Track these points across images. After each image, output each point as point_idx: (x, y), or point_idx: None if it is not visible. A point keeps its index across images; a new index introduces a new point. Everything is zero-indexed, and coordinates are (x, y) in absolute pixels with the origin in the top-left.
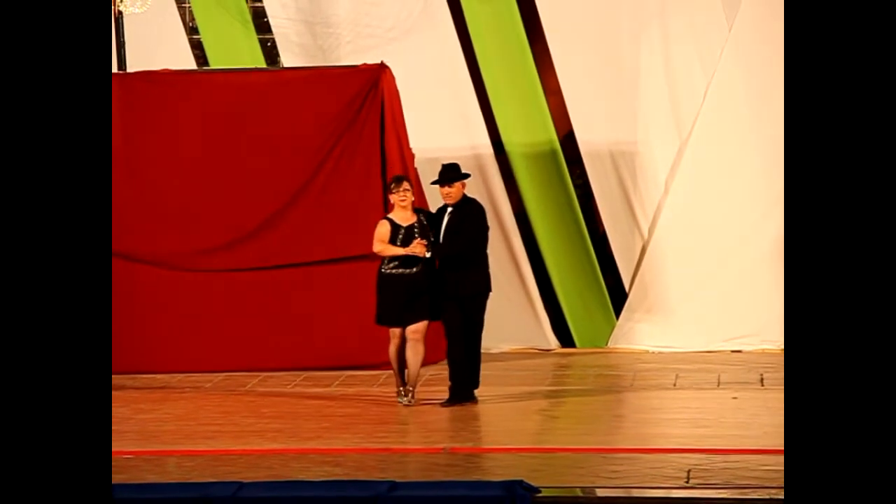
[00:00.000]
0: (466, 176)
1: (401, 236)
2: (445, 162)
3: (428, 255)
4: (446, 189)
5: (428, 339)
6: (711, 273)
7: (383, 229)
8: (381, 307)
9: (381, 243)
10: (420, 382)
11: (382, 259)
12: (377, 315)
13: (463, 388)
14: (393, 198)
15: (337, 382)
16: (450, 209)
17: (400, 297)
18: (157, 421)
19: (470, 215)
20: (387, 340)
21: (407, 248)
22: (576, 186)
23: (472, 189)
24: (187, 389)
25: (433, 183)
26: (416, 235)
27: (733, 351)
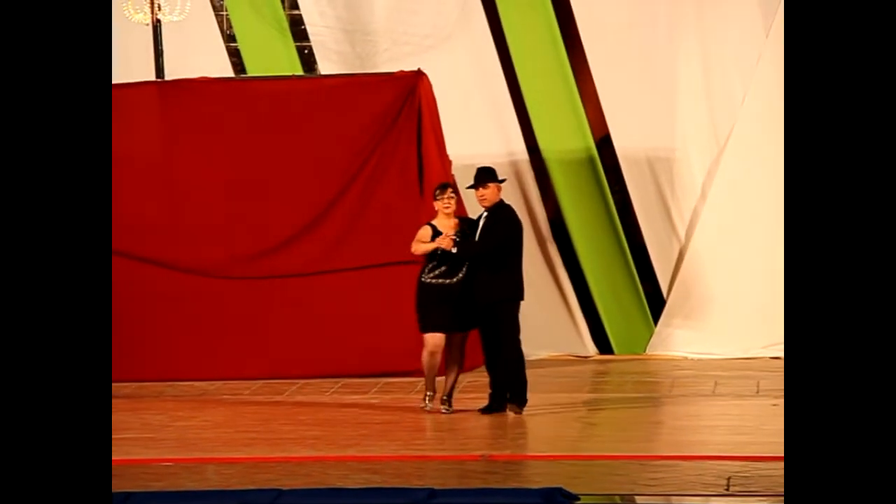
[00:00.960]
0: (501, 179)
1: None
2: (481, 166)
3: (454, 249)
4: (481, 192)
5: (468, 345)
6: (749, 279)
7: (424, 233)
8: (421, 314)
9: (417, 243)
10: (458, 389)
11: (423, 268)
12: (420, 323)
13: (498, 396)
14: (437, 205)
15: (375, 389)
16: (485, 214)
17: (439, 303)
18: (195, 428)
19: (503, 219)
20: (422, 346)
21: (434, 242)
22: (613, 193)
23: (508, 195)
24: (225, 397)
25: (469, 187)
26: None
27: (772, 357)
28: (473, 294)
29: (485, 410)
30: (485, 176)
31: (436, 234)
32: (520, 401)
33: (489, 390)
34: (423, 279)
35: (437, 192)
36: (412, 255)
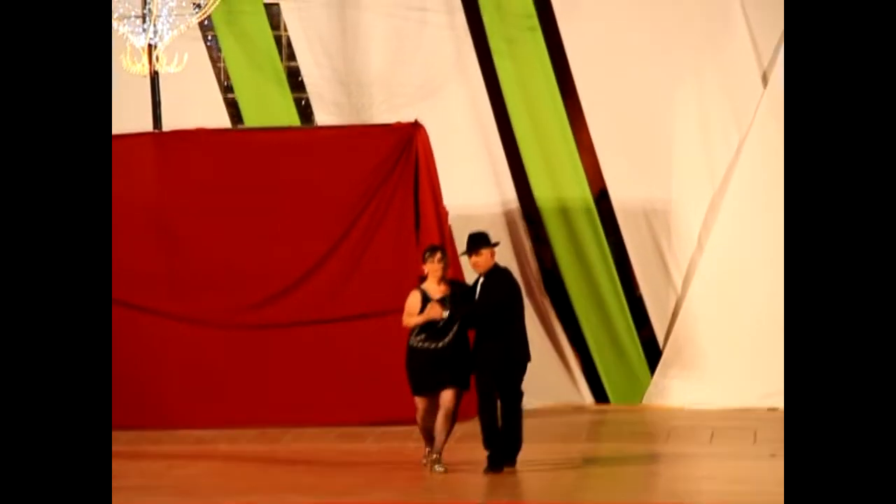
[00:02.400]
0: (494, 243)
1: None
2: (473, 231)
3: (445, 315)
4: (474, 258)
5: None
6: (747, 329)
7: (413, 301)
8: (410, 378)
9: (409, 316)
10: (451, 441)
11: (411, 331)
12: (410, 385)
13: (499, 454)
14: (426, 267)
15: (371, 438)
16: (481, 278)
17: (426, 367)
18: (193, 476)
19: (499, 282)
20: None
21: (423, 314)
22: (609, 243)
23: (502, 245)
24: (223, 445)
25: (462, 254)
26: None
27: (769, 408)
28: (477, 358)
29: (487, 470)
30: (477, 242)
31: (425, 299)
32: (512, 461)
33: (487, 451)
34: (410, 343)
35: (427, 255)
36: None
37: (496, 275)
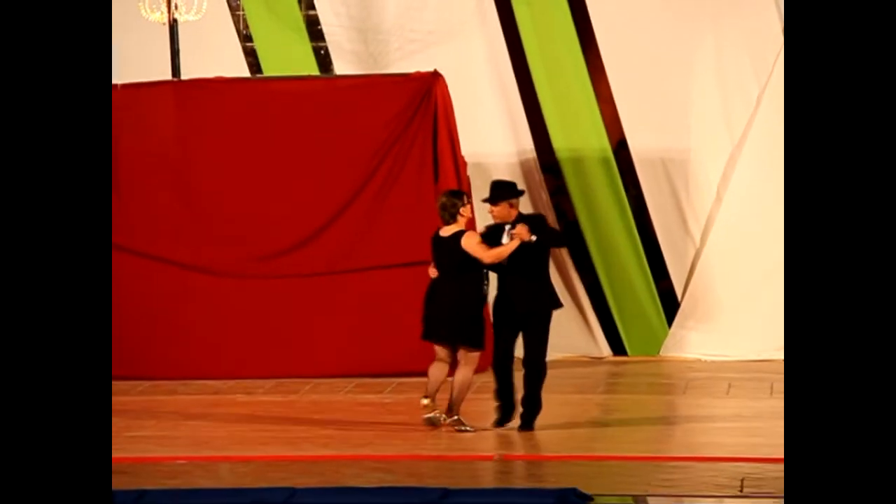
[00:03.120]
0: (520, 191)
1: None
2: (499, 179)
3: (534, 238)
4: (502, 206)
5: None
6: (764, 281)
7: (479, 238)
8: (481, 328)
9: (490, 250)
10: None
11: (481, 280)
12: (481, 339)
13: (511, 408)
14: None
15: (389, 389)
16: (507, 226)
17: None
18: (209, 427)
19: (541, 223)
20: None
21: (513, 242)
22: (628, 193)
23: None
24: (239, 396)
25: (484, 201)
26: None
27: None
28: (513, 302)
29: (499, 423)
30: (509, 191)
31: (492, 234)
32: (528, 424)
33: (498, 402)
34: (485, 292)
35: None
36: (426, 255)
37: (534, 218)
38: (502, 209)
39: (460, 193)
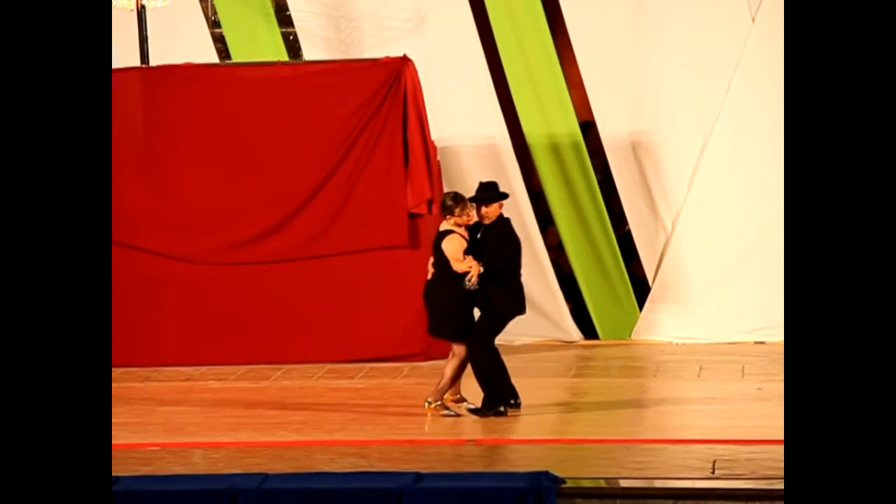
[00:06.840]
0: (504, 195)
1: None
2: (485, 180)
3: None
4: (484, 209)
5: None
6: (735, 264)
7: (460, 245)
8: (465, 323)
9: (458, 262)
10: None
11: (460, 274)
12: (465, 330)
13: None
14: (459, 215)
15: (360, 375)
16: (483, 230)
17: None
18: (182, 413)
19: (504, 235)
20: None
21: (473, 266)
22: (598, 178)
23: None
24: (211, 382)
25: (471, 199)
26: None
27: (756, 342)
28: (479, 303)
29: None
30: (491, 193)
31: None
32: (481, 410)
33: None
34: (468, 287)
35: (462, 206)
36: (397, 240)
37: (501, 226)
38: (494, 210)
39: (461, 198)
